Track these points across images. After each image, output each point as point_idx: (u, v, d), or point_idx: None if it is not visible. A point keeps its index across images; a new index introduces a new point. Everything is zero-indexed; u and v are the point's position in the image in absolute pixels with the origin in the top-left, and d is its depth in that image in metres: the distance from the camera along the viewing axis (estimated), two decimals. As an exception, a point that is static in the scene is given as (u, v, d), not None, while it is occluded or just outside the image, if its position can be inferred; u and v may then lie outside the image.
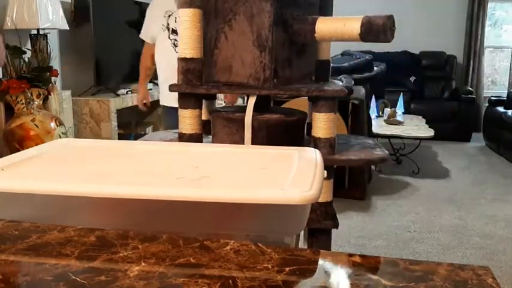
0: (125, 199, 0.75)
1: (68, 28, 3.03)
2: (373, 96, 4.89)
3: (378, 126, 4.58)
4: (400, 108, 4.97)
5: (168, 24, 2.72)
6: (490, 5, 6.50)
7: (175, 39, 2.68)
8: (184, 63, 1.45)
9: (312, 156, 0.96)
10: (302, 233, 1.45)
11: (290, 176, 0.82)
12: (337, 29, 1.36)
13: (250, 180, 0.87)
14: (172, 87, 1.48)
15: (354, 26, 1.35)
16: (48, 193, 0.77)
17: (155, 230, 0.68)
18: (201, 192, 0.74)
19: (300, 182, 0.77)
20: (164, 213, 0.78)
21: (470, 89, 6.36)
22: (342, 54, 5.50)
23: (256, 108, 1.40)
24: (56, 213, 0.81)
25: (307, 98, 1.58)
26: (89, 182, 0.81)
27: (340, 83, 1.61)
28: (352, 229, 3.14)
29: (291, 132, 1.46)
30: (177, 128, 1.49)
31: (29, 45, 2.83)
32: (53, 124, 2.66)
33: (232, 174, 0.92)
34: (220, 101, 2.80)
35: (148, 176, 0.91)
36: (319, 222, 1.47)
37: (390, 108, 5.10)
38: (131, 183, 0.84)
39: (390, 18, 1.35)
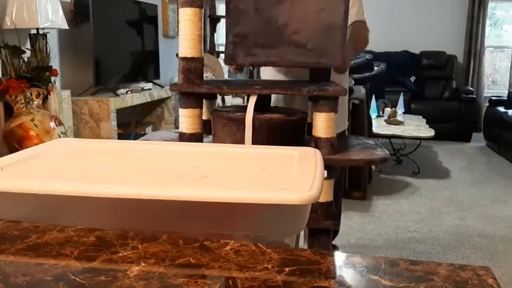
0: (124, 199, 0.75)
1: (67, 28, 3.03)
2: (374, 96, 4.89)
3: (378, 126, 4.58)
4: (400, 108, 4.97)
5: None
6: (490, 4, 6.50)
7: None
8: (185, 62, 1.45)
9: (312, 156, 0.95)
10: (302, 233, 1.45)
11: (290, 176, 0.82)
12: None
13: (250, 180, 0.87)
14: (173, 87, 1.48)
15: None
16: (48, 193, 0.76)
17: (155, 230, 0.68)
18: (201, 192, 0.74)
19: (300, 182, 0.77)
20: (164, 213, 0.78)
21: (471, 88, 6.35)
22: (342, 54, 5.49)
23: (257, 108, 1.40)
24: (55, 213, 0.81)
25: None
26: (88, 182, 0.81)
27: (341, 83, 1.61)
28: (352, 229, 3.14)
29: (291, 132, 1.46)
30: None
31: (28, 45, 2.82)
32: (52, 124, 2.66)
33: (232, 174, 0.91)
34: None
35: (148, 176, 0.90)
36: (320, 223, 1.46)
37: (390, 108, 5.09)
38: (131, 183, 0.84)
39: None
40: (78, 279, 0.54)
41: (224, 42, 1.49)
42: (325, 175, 0.87)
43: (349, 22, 1.89)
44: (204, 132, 1.52)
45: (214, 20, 5.14)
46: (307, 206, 0.76)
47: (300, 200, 0.71)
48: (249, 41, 1.40)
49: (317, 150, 1.01)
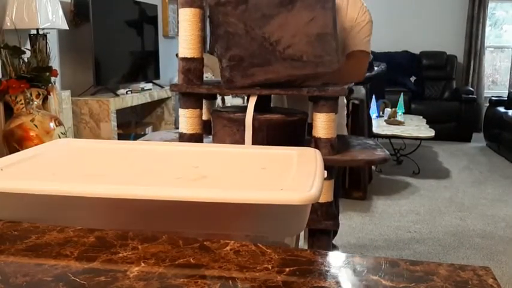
0: (122, 199, 0.74)
1: (67, 28, 3.03)
2: (374, 96, 4.89)
3: (379, 126, 4.58)
4: (400, 108, 4.97)
5: None
6: (490, 5, 6.50)
7: None
8: (185, 62, 1.45)
9: (312, 156, 0.95)
10: (302, 233, 1.45)
11: (290, 176, 0.82)
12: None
13: (250, 180, 0.87)
14: (172, 87, 1.48)
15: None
16: (47, 193, 0.76)
17: (154, 230, 0.68)
18: (200, 193, 0.74)
19: (300, 182, 0.77)
20: (163, 214, 0.78)
21: (471, 89, 6.35)
22: (342, 54, 5.49)
23: (257, 108, 1.40)
24: (55, 214, 0.81)
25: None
26: (87, 182, 0.81)
27: (341, 83, 1.60)
28: (352, 229, 3.14)
29: (291, 132, 1.46)
30: None
31: (28, 45, 2.82)
32: (52, 124, 2.66)
33: (232, 174, 0.91)
34: None
35: (148, 176, 0.90)
36: (320, 223, 1.46)
37: (390, 108, 5.09)
38: (130, 184, 0.84)
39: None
40: (78, 280, 0.54)
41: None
42: (325, 175, 0.87)
43: (354, 48, 1.86)
44: (204, 133, 1.52)
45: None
46: (307, 206, 0.76)
47: (300, 200, 0.71)
48: (245, 63, 1.39)
49: (317, 151, 1.01)
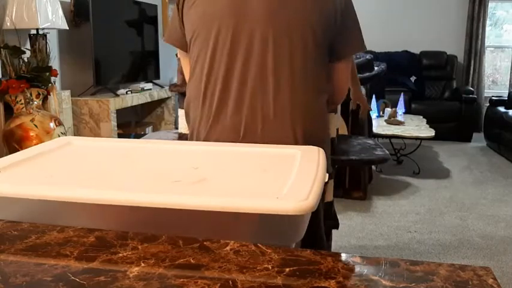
0: (117, 205, 0.74)
1: (67, 28, 3.03)
2: (374, 96, 4.89)
3: (379, 126, 4.58)
4: (400, 108, 4.97)
5: None
6: (490, 4, 6.50)
7: None
8: (184, 63, 1.45)
9: (315, 157, 0.93)
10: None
11: (289, 182, 0.80)
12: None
13: (248, 184, 0.85)
14: (172, 87, 1.48)
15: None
16: (40, 198, 0.76)
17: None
18: (193, 200, 0.72)
19: (297, 190, 0.75)
20: (157, 219, 0.76)
21: (471, 88, 6.35)
22: (342, 54, 5.48)
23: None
24: (52, 216, 0.81)
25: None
26: (83, 187, 0.81)
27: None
28: (352, 229, 3.14)
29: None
30: None
31: (28, 45, 2.82)
32: (52, 124, 2.66)
33: (232, 177, 0.90)
34: None
35: (145, 178, 0.90)
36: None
37: (391, 108, 5.09)
38: (127, 186, 0.83)
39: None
40: (77, 280, 0.54)
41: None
42: (326, 179, 0.85)
43: None
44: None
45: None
46: (303, 215, 0.73)
47: (295, 210, 0.69)
48: None
49: (321, 150, 0.98)
